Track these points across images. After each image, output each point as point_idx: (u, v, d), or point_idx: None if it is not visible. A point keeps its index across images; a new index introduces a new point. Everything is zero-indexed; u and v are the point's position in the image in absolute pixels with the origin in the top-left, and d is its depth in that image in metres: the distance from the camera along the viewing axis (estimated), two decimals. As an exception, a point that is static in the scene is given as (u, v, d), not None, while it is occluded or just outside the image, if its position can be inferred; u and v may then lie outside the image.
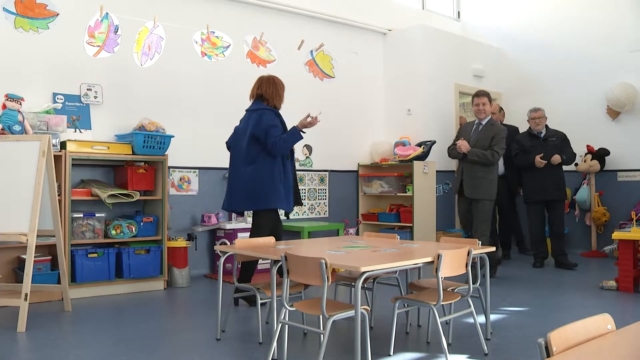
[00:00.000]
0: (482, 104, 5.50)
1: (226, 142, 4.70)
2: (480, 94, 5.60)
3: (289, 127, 4.44)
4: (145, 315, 4.27)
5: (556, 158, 6.15)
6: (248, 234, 5.70)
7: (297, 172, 4.58)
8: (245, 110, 4.59)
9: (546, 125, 6.36)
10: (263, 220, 4.38)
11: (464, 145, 5.38)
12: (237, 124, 4.62)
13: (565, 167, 6.42)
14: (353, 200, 7.31)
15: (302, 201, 4.64)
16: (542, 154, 6.16)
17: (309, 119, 4.35)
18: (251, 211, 4.53)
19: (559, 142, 6.29)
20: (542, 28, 7.96)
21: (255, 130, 4.31)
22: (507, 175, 6.70)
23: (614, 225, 6.72)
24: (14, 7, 3.97)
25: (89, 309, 4.39)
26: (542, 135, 6.31)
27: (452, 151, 5.65)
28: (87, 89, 5.23)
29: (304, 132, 4.38)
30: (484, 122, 5.52)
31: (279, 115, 4.45)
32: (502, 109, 7.34)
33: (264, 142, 4.27)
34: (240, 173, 4.38)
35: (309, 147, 6.79)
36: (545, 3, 7.99)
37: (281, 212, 4.58)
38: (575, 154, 6.41)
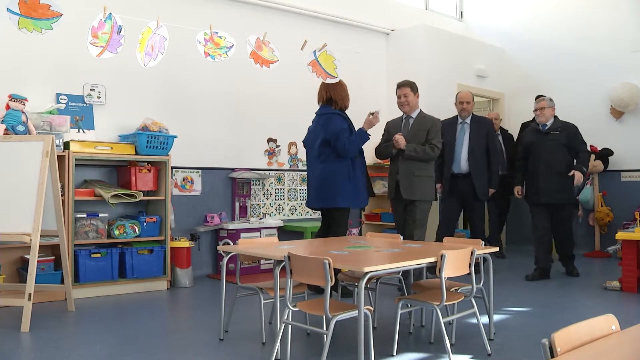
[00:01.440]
0: (403, 95, 4.95)
1: (303, 142, 5.00)
2: (401, 84, 5.02)
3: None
4: (148, 315, 4.28)
5: (578, 177, 5.32)
6: (250, 234, 5.76)
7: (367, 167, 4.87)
8: (315, 114, 4.87)
9: (555, 117, 5.58)
10: (338, 217, 4.66)
11: (401, 140, 4.77)
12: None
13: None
14: (356, 201, 7.30)
15: (375, 192, 4.91)
16: (518, 188, 5.71)
17: (373, 119, 4.59)
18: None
19: (564, 138, 5.46)
20: (545, 28, 7.94)
21: (325, 133, 4.61)
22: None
23: (618, 225, 6.70)
24: (18, 7, 3.98)
25: (92, 309, 4.40)
26: (546, 128, 5.53)
27: (385, 149, 5.02)
28: (91, 89, 5.23)
29: (369, 135, 4.64)
30: (414, 115, 5.01)
31: (347, 119, 4.68)
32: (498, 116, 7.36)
33: (333, 144, 4.56)
34: (314, 171, 4.74)
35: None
36: (548, 3, 7.98)
37: None
38: (588, 153, 5.60)
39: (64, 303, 4.39)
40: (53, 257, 4.72)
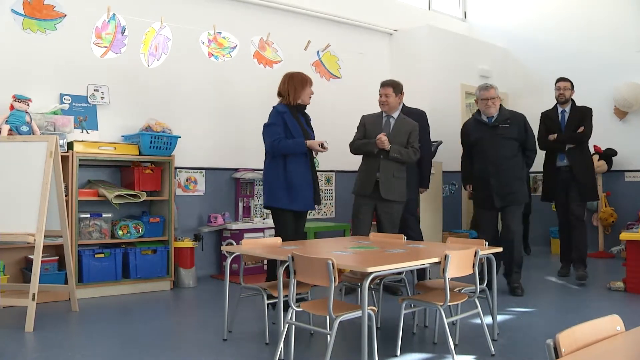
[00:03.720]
0: (385, 95, 4.82)
1: None
2: (384, 83, 4.88)
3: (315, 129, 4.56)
4: (151, 315, 4.29)
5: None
6: (254, 234, 5.77)
7: (315, 171, 4.55)
8: None
9: (500, 106, 4.99)
10: (275, 219, 4.44)
11: (386, 142, 4.62)
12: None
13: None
14: (359, 201, 7.30)
15: (320, 200, 4.58)
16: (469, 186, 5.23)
17: (319, 147, 4.35)
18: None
19: (514, 131, 4.86)
20: (548, 28, 7.93)
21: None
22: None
23: (622, 225, 6.69)
24: (22, 8, 4.00)
25: (96, 309, 4.40)
26: (492, 121, 4.90)
27: (365, 146, 4.76)
28: (94, 90, 5.24)
29: (305, 149, 4.37)
30: (394, 116, 4.86)
31: (281, 113, 4.35)
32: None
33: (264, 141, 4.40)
34: None
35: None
36: (552, 3, 7.97)
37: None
38: (535, 152, 5.05)
39: (67, 303, 4.39)
40: (57, 257, 4.73)
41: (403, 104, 5.13)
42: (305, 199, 4.38)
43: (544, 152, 5.75)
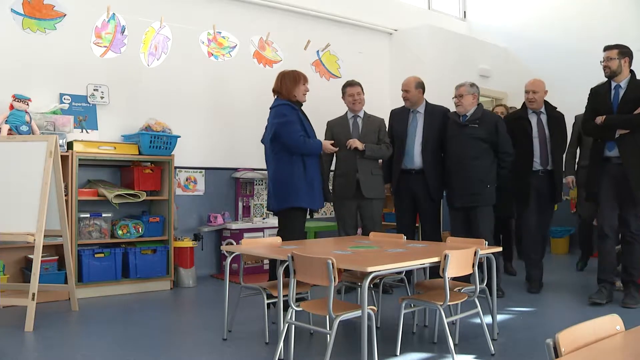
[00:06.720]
0: (356, 93, 5.00)
1: (261, 140, 4.57)
2: (353, 83, 5.06)
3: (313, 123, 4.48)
4: (151, 315, 4.29)
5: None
6: (253, 234, 5.76)
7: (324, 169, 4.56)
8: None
9: (479, 105, 4.73)
10: (288, 220, 4.29)
11: (355, 143, 4.81)
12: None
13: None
14: (359, 201, 7.30)
15: (330, 198, 4.61)
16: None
17: (331, 147, 4.52)
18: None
19: (482, 131, 4.57)
20: (548, 27, 7.93)
21: (272, 127, 4.27)
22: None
23: (622, 225, 6.66)
24: (22, 8, 4.00)
25: (95, 308, 4.40)
26: (465, 120, 4.67)
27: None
28: (94, 90, 5.24)
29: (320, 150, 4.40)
30: (361, 115, 5.05)
31: (296, 109, 4.30)
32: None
33: (280, 138, 4.22)
34: (269, 172, 4.42)
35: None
36: (552, 2, 7.97)
37: None
38: (513, 157, 4.68)
39: (67, 303, 4.39)
40: (57, 257, 4.73)
41: (426, 100, 5.16)
42: (320, 198, 4.39)
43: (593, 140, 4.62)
